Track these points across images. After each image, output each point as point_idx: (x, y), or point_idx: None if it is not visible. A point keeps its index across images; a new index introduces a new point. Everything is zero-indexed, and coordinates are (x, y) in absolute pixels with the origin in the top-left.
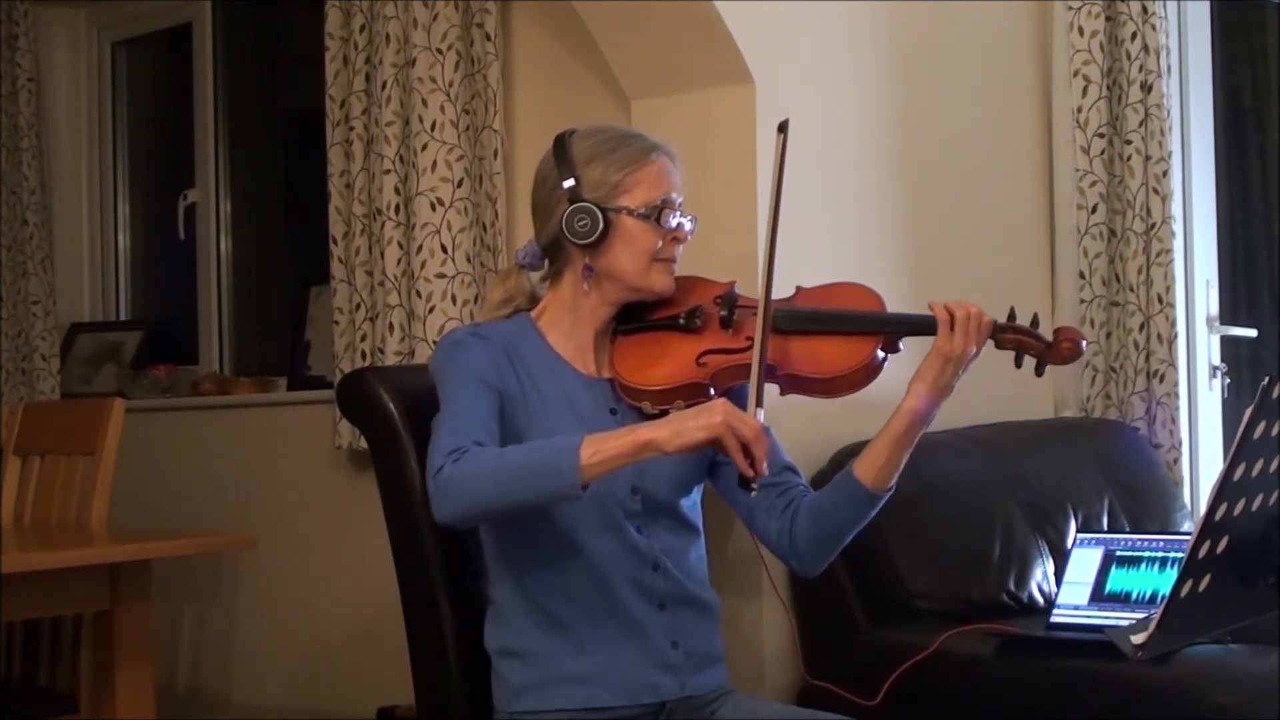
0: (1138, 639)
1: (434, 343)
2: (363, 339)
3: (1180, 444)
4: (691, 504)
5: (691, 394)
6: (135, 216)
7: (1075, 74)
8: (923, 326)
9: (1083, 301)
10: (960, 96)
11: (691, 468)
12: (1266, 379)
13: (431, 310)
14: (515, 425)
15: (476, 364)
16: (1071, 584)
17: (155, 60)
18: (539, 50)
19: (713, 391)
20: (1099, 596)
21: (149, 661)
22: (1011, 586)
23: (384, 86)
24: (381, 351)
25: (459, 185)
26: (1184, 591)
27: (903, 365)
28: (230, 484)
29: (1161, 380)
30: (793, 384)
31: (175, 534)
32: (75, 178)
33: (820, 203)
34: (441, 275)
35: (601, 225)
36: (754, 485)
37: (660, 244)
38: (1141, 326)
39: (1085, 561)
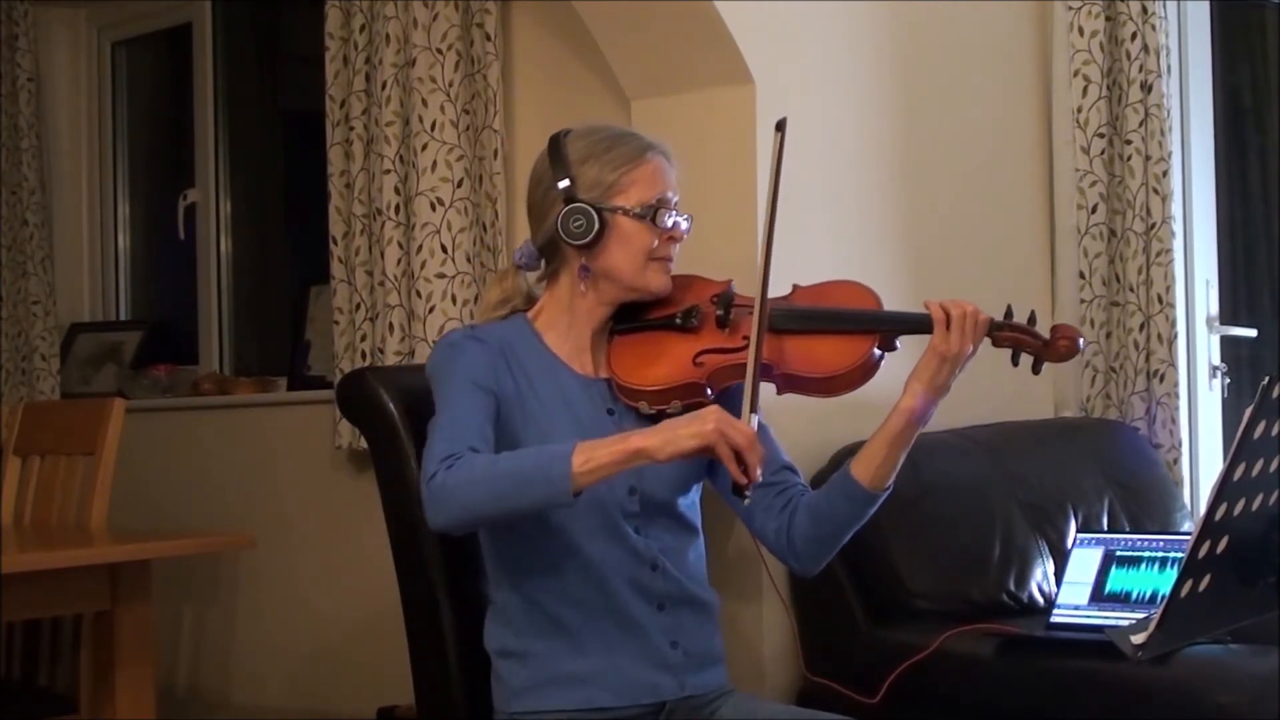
0: (1138, 639)
1: (434, 343)
2: (363, 339)
3: (1180, 444)
4: (690, 503)
5: (688, 394)
6: (135, 216)
7: (1075, 74)
8: (919, 325)
9: (1083, 301)
10: (960, 96)
11: (690, 467)
12: (1266, 379)
13: (431, 310)
14: (512, 427)
15: (472, 367)
16: (1071, 584)
17: (155, 60)
18: (539, 50)
19: (710, 391)
20: (1099, 596)
21: (149, 661)
22: (1011, 586)
23: (384, 86)
24: (381, 351)
25: (459, 185)
26: (1184, 591)
27: (902, 363)
28: (230, 484)
29: (1161, 380)
30: (789, 383)
31: (175, 534)
32: (75, 178)
33: (820, 202)
34: (441, 275)
35: (597, 225)
36: (747, 493)
37: (656, 243)
38: (1141, 326)
39: (1085, 561)
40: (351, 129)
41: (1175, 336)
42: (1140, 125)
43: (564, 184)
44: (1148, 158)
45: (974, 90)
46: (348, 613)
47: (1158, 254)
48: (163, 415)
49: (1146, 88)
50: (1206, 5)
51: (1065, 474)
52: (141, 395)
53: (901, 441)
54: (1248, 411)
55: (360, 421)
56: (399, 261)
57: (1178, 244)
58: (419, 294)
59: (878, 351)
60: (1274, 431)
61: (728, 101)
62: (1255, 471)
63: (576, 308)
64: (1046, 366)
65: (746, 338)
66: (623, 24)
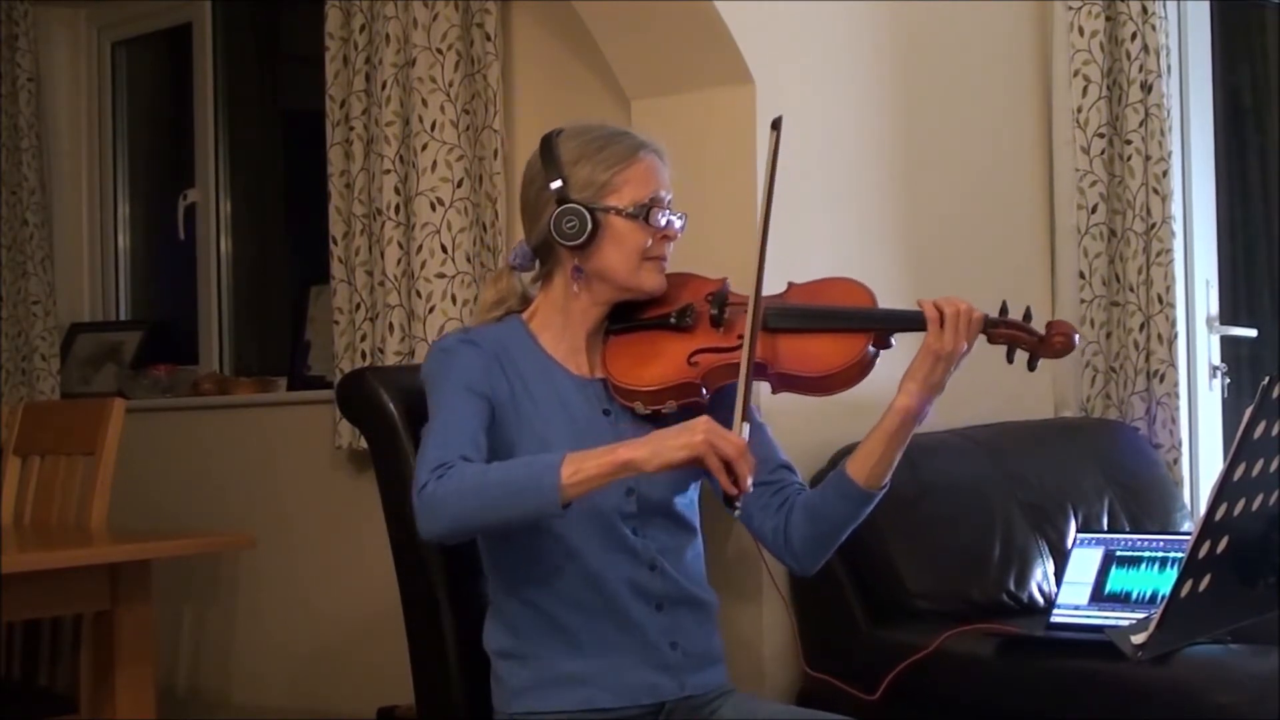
0: (1138, 639)
1: (433, 343)
2: (363, 339)
3: (1180, 444)
4: (688, 502)
5: (683, 394)
6: (135, 216)
7: (1075, 74)
8: (913, 323)
9: (1083, 301)
10: (960, 96)
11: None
12: (1266, 379)
13: (431, 310)
14: (507, 431)
15: (466, 371)
16: (1071, 584)
17: (155, 60)
18: (539, 50)
19: (705, 391)
20: (1099, 596)
21: (149, 661)
22: (1011, 586)
23: (384, 86)
24: (381, 351)
25: (459, 185)
26: (1184, 591)
27: (900, 361)
28: (230, 484)
29: (1161, 380)
30: (784, 382)
31: (175, 534)
32: (75, 178)
33: (820, 202)
34: (441, 275)
35: (590, 226)
36: (737, 504)
37: (650, 242)
38: (1141, 326)
39: (1085, 561)
40: (351, 129)
41: (1175, 336)
42: (1140, 125)
43: (556, 184)
44: (1148, 158)
45: (974, 90)
46: (348, 613)
47: (1158, 254)
48: (163, 415)
49: (1146, 88)
50: (1206, 5)
51: (1065, 474)
52: (141, 395)
53: (897, 440)
54: (1248, 411)
55: (360, 421)
56: (399, 261)
57: (1178, 244)
58: (419, 294)
59: (872, 349)
60: (1274, 431)
61: (728, 101)
62: (1255, 471)
63: (571, 308)
64: (1045, 365)
65: (741, 336)
66: (623, 24)
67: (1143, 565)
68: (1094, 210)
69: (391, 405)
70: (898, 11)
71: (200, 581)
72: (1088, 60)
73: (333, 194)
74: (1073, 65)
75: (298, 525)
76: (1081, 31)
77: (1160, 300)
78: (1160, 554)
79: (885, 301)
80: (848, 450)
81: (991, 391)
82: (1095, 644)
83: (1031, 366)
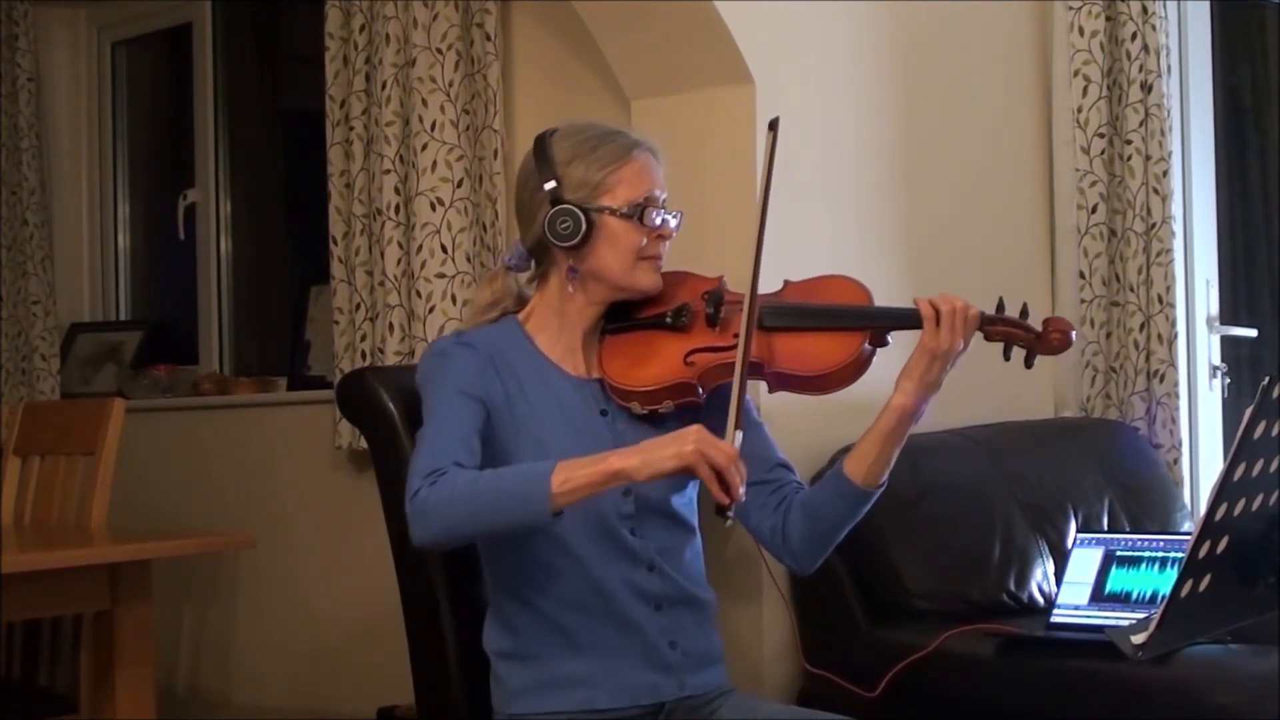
0: (1138, 639)
1: (428, 346)
2: (363, 339)
3: (1180, 444)
4: (686, 502)
5: (679, 394)
6: (135, 216)
7: (1075, 74)
8: (909, 321)
9: (1083, 301)
10: (960, 96)
11: None
12: (1266, 379)
13: (431, 310)
14: (503, 433)
15: (460, 375)
16: (1071, 584)
17: (155, 60)
18: (539, 50)
19: (701, 391)
20: (1099, 596)
21: (149, 661)
22: (1011, 586)
23: (384, 86)
24: (381, 351)
25: (459, 185)
26: (1184, 591)
27: (899, 360)
28: (230, 484)
29: (1161, 380)
30: (780, 381)
31: (175, 534)
32: (75, 178)
33: (820, 202)
34: (441, 275)
35: (584, 226)
36: (729, 514)
37: (645, 242)
38: (1141, 326)
39: (1085, 561)
40: (351, 129)
41: (1175, 336)
42: (1140, 125)
43: (550, 185)
44: (1148, 158)
45: (974, 90)
46: (348, 613)
47: (1158, 254)
48: (163, 415)
49: (1146, 88)
50: (1206, 5)
51: (1065, 474)
52: (141, 395)
53: (894, 439)
54: (1248, 411)
55: (360, 421)
56: (399, 261)
57: (1178, 244)
58: (419, 294)
59: (869, 347)
60: (1274, 431)
61: (728, 101)
62: (1255, 471)
63: (567, 309)
64: (1045, 365)
65: (737, 335)
66: (623, 24)
67: (1143, 565)
68: (1094, 210)
69: (391, 405)
70: (898, 11)
71: (200, 581)
72: (1088, 60)
73: (333, 194)
74: (1073, 65)
75: (298, 525)
76: (1081, 31)
77: (1160, 300)
78: (1160, 554)
79: (885, 302)
80: (847, 450)
81: (991, 391)
82: (1095, 644)
83: (1028, 364)
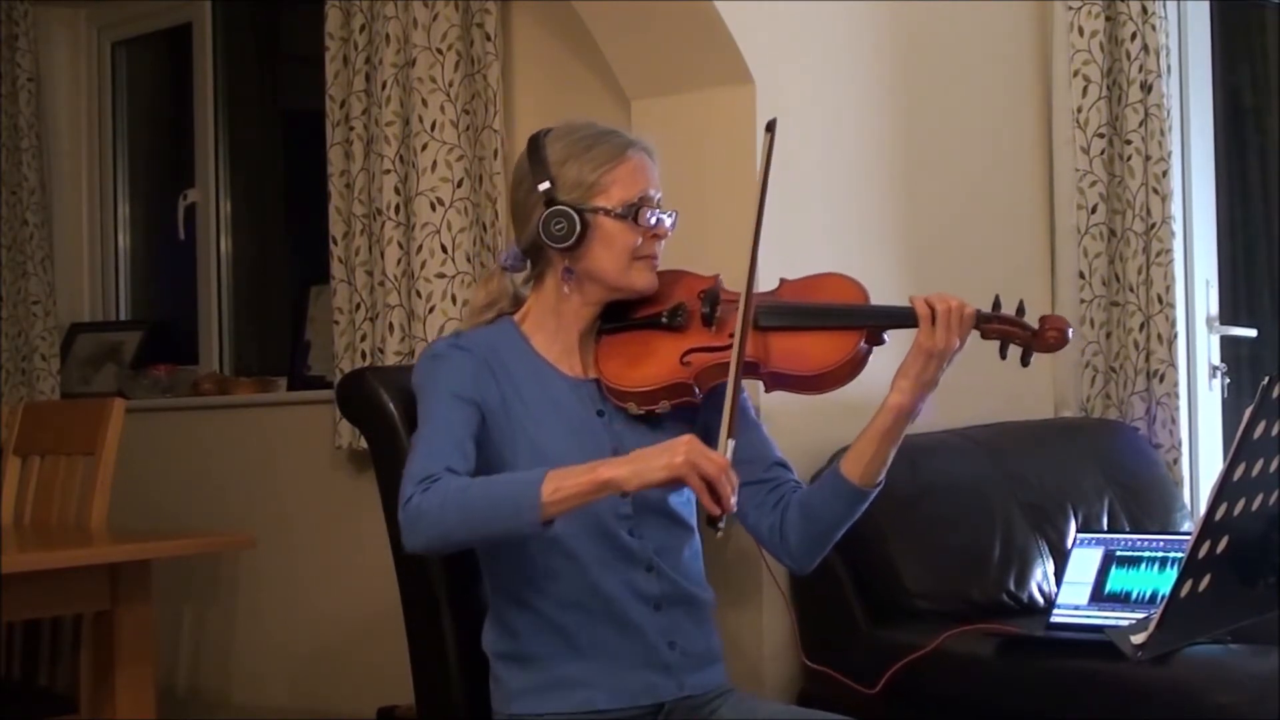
0: (1138, 639)
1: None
2: (363, 339)
3: (1180, 444)
4: (684, 500)
5: (676, 394)
6: (135, 216)
7: (1075, 74)
8: (905, 319)
9: (1083, 301)
10: (960, 96)
11: None
12: (1266, 379)
13: (431, 310)
14: (500, 435)
15: (455, 378)
16: (1071, 584)
17: (155, 60)
18: (539, 50)
19: (698, 391)
20: (1099, 596)
21: (149, 661)
22: (1011, 586)
23: (384, 86)
24: (381, 351)
25: (459, 185)
26: (1184, 591)
27: (897, 358)
28: (230, 484)
29: (1161, 380)
30: (776, 381)
31: (175, 534)
32: (75, 178)
33: (820, 202)
34: (441, 275)
35: (579, 227)
36: (720, 525)
37: (640, 242)
38: (1141, 326)
39: (1085, 561)
40: (351, 129)
41: (1175, 336)
42: (1140, 125)
43: (544, 186)
44: (1148, 158)
45: (974, 90)
46: (348, 613)
47: (1158, 254)
48: (163, 415)
49: (1146, 88)
50: (1206, 5)
51: (1065, 474)
52: (141, 395)
53: (890, 438)
54: (1248, 411)
55: (360, 421)
56: (399, 261)
57: (1178, 244)
58: (419, 294)
59: (865, 346)
60: (1274, 431)
61: (728, 101)
62: (1255, 471)
63: (563, 310)
64: (1045, 365)
65: (733, 334)
66: (623, 24)
67: (1143, 565)
68: (1094, 210)
69: (391, 405)
70: (898, 11)
71: (200, 581)
72: (1088, 60)
73: (333, 194)
74: (1073, 65)
75: (298, 525)
76: (1081, 31)
77: (1160, 300)
78: (1160, 554)
79: (885, 302)
80: (845, 450)
81: (991, 391)
82: (1095, 644)
83: (1025, 362)
